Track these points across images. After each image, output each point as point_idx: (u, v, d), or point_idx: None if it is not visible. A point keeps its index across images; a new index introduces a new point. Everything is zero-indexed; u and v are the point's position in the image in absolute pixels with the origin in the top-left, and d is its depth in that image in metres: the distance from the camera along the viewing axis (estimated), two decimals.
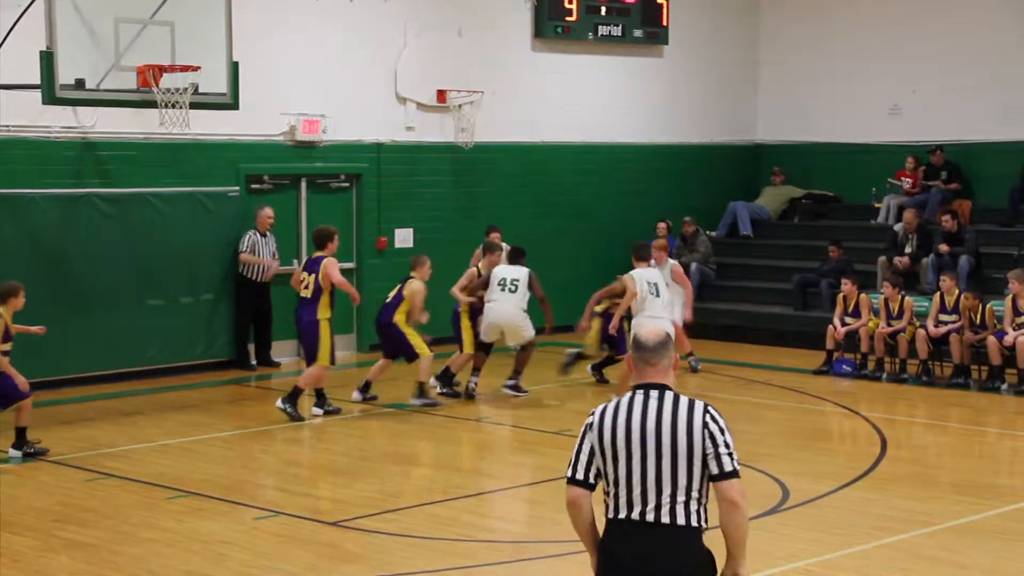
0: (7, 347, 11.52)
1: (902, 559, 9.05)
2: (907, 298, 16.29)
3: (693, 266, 19.11)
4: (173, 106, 14.09)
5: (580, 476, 5.22)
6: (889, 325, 16.03)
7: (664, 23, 20.62)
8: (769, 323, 16.22)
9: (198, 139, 15.88)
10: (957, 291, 15.88)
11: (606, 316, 14.61)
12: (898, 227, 18.80)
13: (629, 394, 5.24)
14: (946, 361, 15.88)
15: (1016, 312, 15.33)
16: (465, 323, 14.68)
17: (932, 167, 19.92)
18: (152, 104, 13.99)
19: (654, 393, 5.20)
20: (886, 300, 16.20)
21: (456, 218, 18.70)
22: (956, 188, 19.63)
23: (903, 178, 20.08)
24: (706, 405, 5.21)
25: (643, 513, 5.11)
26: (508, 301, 14.28)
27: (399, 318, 13.89)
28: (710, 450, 5.11)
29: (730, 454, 5.15)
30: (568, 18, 19.52)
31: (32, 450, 11.73)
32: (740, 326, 18.80)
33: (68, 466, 11.53)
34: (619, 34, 20.21)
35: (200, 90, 14.00)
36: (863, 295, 16.45)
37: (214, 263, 16.31)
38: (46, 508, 10.25)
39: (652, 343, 5.26)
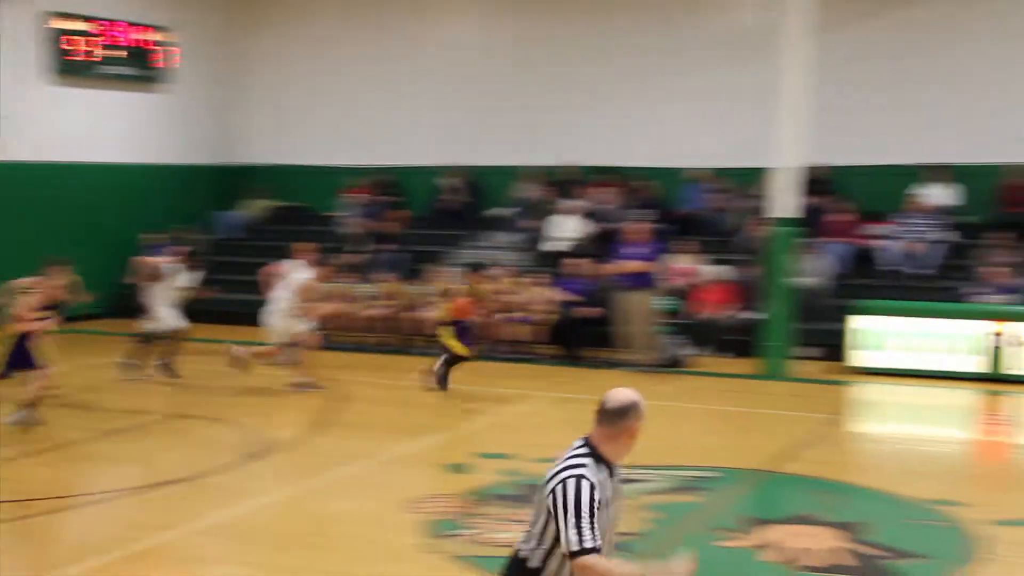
0: None
1: (356, 484, 9.36)
2: (347, 285, 16.79)
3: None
4: None
5: None
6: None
7: (158, 66, 19.97)
8: (251, 308, 16.02)
9: None
10: (393, 280, 16.58)
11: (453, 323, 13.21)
12: (353, 230, 19.31)
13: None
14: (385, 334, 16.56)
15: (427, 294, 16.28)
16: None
17: (383, 184, 20.51)
18: None
19: (574, 444, 4.26)
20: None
21: None
22: (398, 200, 20.39)
23: (359, 193, 20.57)
24: (567, 473, 4.10)
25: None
26: None
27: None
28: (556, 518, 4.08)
29: (566, 529, 4.00)
30: (71, 58, 18.55)
31: None
32: (233, 312, 18.38)
33: None
34: (120, 73, 19.37)
35: None
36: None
37: None
38: None
39: (608, 406, 4.25)
